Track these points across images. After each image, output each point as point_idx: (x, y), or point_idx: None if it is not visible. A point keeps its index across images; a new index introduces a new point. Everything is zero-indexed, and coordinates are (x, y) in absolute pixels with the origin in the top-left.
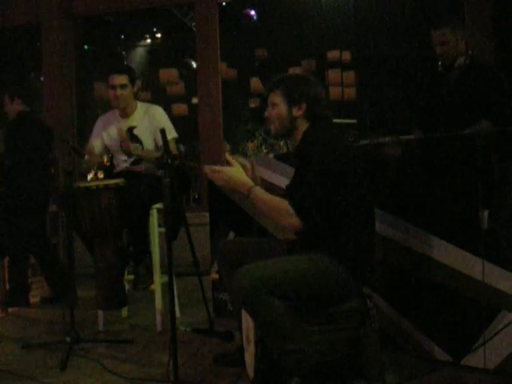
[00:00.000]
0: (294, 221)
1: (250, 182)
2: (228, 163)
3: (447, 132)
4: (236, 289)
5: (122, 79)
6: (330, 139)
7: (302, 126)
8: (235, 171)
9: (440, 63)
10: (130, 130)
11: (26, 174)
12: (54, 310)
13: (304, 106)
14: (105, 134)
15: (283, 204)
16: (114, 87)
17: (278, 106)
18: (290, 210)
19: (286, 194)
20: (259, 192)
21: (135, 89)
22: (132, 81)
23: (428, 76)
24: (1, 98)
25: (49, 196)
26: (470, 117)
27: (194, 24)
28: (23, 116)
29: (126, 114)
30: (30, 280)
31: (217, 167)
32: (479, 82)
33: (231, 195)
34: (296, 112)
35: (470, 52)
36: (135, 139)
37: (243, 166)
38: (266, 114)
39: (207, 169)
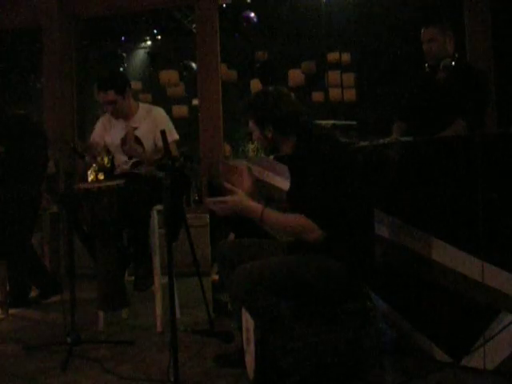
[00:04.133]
0: (318, 233)
1: (258, 207)
2: (230, 191)
3: (433, 132)
4: (235, 287)
5: (108, 96)
6: (322, 146)
7: (284, 141)
8: (240, 199)
9: (427, 64)
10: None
11: (17, 177)
12: (55, 311)
13: (270, 127)
14: (106, 134)
15: (302, 220)
16: (103, 104)
17: (254, 131)
18: (311, 224)
19: (288, 202)
20: (271, 213)
21: (128, 94)
22: (121, 91)
23: (415, 76)
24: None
25: (39, 201)
26: (454, 118)
27: (194, 26)
28: (18, 119)
29: (127, 115)
30: None
31: (220, 198)
32: (465, 83)
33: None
34: (268, 133)
35: (457, 54)
36: (136, 141)
37: (241, 172)
38: (254, 137)
39: (209, 202)
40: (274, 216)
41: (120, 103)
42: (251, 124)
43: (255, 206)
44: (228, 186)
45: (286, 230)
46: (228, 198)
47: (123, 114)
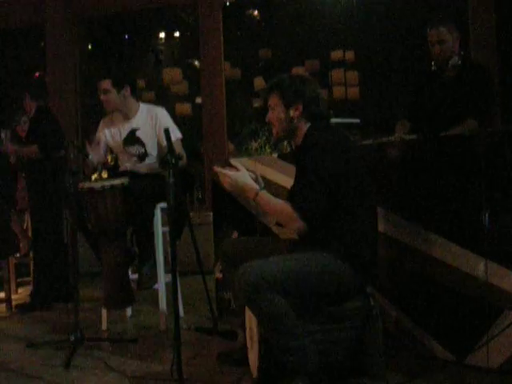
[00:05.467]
0: (299, 224)
1: (255, 187)
2: (234, 168)
3: (440, 131)
4: (239, 286)
5: (104, 84)
6: (331, 140)
7: (302, 126)
8: (241, 176)
9: (433, 63)
10: (133, 132)
11: (44, 171)
12: (59, 309)
13: (300, 106)
14: (108, 135)
15: (288, 208)
16: (100, 91)
17: (276, 109)
18: (294, 214)
19: (289, 196)
20: (265, 196)
21: (124, 93)
22: (117, 85)
23: (422, 75)
24: (4, 98)
25: (63, 195)
26: (464, 116)
27: (197, 24)
28: (43, 113)
29: (128, 115)
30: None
31: (225, 171)
32: (474, 81)
33: (236, 196)
34: (293, 113)
35: (462, 52)
36: (138, 141)
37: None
38: (267, 118)
39: (217, 169)
40: (266, 199)
41: (111, 96)
42: (274, 102)
43: (253, 185)
44: (234, 163)
45: (274, 216)
46: (232, 172)
47: (120, 112)
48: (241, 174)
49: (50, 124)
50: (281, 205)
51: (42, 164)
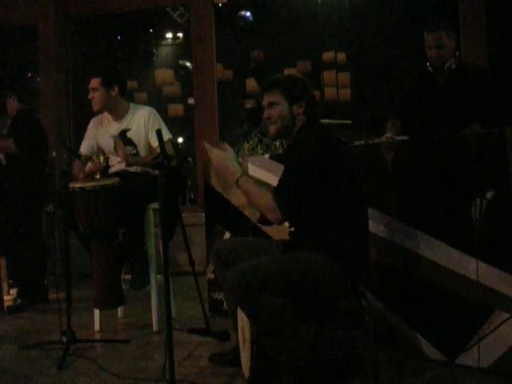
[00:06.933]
0: (276, 215)
1: (239, 170)
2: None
3: (434, 131)
4: (230, 287)
5: (93, 82)
6: (322, 137)
7: (299, 123)
8: (228, 156)
9: (429, 64)
10: (123, 132)
11: (24, 171)
12: (51, 310)
13: (303, 103)
14: (98, 136)
15: (267, 197)
16: (89, 89)
17: (279, 105)
18: (272, 203)
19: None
20: (248, 181)
21: (112, 92)
22: (106, 84)
23: (415, 75)
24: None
25: (43, 196)
26: (459, 118)
27: (189, 25)
28: (24, 114)
29: (117, 116)
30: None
31: (213, 148)
32: (469, 83)
33: (226, 194)
34: (296, 109)
35: (457, 54)
36: (128, 142)
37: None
38: (266, 115)
39: (207, 145)
40: (249, 185)
41: (99, 94)
42: (277, 98)
43: (237, 168)
44: (225, 146)
45: (254, 203)
46: (219, 151)
47: (109, 112)
48: (228, 154)
49: (30, 124)
50: (262, 192)
51: (20, 163)
